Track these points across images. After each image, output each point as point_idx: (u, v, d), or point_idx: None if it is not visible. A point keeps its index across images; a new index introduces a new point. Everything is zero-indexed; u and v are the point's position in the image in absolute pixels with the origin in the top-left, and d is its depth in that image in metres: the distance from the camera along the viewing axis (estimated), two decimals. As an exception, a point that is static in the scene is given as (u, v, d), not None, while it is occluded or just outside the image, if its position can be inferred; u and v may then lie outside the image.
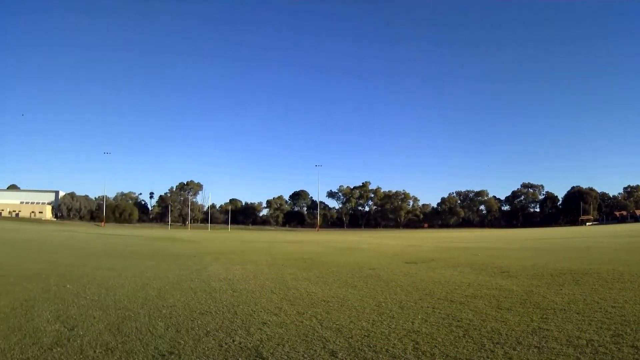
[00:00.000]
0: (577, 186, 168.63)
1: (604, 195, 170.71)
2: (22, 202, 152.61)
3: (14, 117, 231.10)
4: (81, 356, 5.07)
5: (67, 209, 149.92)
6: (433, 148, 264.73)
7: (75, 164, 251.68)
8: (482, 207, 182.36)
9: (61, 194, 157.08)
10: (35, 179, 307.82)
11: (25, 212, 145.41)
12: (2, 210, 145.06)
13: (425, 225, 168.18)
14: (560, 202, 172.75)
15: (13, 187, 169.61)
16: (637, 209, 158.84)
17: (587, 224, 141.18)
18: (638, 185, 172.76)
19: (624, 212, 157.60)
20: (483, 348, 5.28)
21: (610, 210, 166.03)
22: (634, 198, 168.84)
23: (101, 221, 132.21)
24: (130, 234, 56.22)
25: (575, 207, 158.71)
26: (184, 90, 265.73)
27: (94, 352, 5.23)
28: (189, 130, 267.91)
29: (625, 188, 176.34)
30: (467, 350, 5.21)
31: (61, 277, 11.47)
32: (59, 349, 5.28)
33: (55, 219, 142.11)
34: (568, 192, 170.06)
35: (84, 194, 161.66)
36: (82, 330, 6.16)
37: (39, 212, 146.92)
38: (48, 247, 24.14)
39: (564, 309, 7.37)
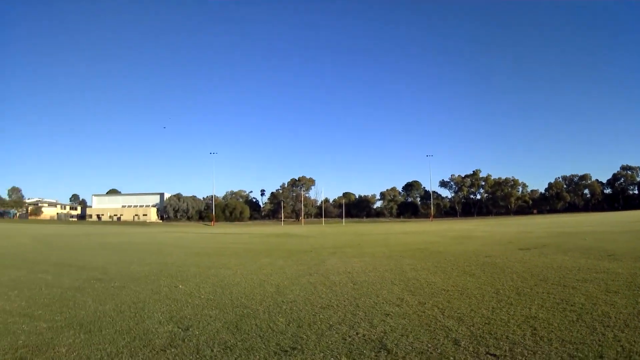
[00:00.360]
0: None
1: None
2: (124, 206, 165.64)
3: (116, 126, 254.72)
4: (197, 356, 5.43)
5: (174, 210, 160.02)
6: (537, 131, 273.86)
7: (180, 166, 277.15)
8: (586, 191, 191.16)
9: (166, 195, 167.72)
10: (138, 184, 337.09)
11: (127, 216, 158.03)
12: (102, 214, 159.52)
13: (535, 211, 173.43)
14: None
15: (113, 192, 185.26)
16: None
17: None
18: None
19: None
20: (595, 332, 5.95)
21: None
22: None
23: (210, 221, 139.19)
24: (243, 231, 59.12)
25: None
26: (288, 86, 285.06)
27: (212, 351, 5.58)
28: (297, 126, 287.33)
29: None
30: (581, 334, 5.89)
31: (172, 278, 12.23)
32: (172, 350, 5.66)
33: (161, 221, 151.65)
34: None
35: (191, 195, 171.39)
36: (197, 330, 6.58)
37: (143, 215, 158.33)
38: (155, 248, 25.56)
39: (667, 290, 8.47)
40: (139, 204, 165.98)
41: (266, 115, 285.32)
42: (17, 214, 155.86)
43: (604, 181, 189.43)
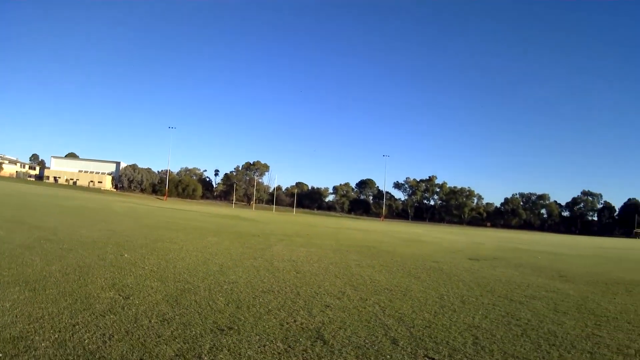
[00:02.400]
0: (633, 198, 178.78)
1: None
2: (80, 171, 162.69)
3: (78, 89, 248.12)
4: (135, 325, 5.35)
5: (128, 180, 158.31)
6: (499, 146, 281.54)
7: (138, 137, 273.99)
8: (543, 210, 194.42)
9: (122, 165, 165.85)
10: (95, 150, 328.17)
11: (83, 181, 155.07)
12: (59, 177, 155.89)
13: (489, 224, 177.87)
14: (617, 212, 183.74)
15: (72, 156, 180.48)
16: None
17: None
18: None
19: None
20: (539, 348, 5.76)
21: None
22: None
23: (163, 195, 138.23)
24: (193, 209, 59.09)
25: (631, 219, 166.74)
26: (254, 70, 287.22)
27: (149, 321, 5.52)
28: (258, 111, 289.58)
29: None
30: (524, 349, 5.69)
31: (119, 246, 12.14)
32: (111, 317, 5.58)
33: (115, 190, 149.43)
34: (625, 203, 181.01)
35: (146, 167, 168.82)
36: (137, 300, 6.52)
37: (98, 182, 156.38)
38: (106, 216, 25.45)
39: (616, 318, 8.10)
40: (95, 170, 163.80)
41: (228, 95, 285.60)
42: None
43: (563, 204, 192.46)
